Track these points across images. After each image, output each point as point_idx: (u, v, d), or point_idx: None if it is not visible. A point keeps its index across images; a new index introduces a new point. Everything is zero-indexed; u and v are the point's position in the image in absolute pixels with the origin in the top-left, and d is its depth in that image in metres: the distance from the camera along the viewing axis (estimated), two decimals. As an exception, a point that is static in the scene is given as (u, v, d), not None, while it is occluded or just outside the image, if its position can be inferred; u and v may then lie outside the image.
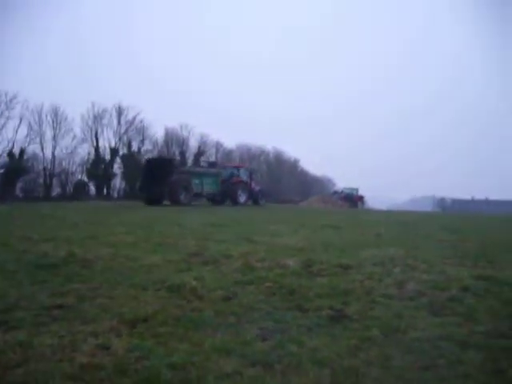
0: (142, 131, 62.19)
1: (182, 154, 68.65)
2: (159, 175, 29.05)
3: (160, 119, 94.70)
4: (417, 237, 12.39)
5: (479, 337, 4.38)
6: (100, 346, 3.92)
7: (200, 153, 70.90)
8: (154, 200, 29.46)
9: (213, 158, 71.74)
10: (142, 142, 62.82)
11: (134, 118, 60.65)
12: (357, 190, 59.69)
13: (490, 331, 4.54)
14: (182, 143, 69.57)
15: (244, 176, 35.58)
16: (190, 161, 68.90)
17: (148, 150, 63.62)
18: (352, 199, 56.50)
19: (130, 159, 58.98)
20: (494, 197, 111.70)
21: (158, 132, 65.83)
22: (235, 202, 33.58)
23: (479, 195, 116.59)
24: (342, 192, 60.36)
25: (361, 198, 59.17)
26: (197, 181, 31.53)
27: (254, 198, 35.77)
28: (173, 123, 69.29)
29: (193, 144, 70.93)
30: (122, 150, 60.26)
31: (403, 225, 18.05)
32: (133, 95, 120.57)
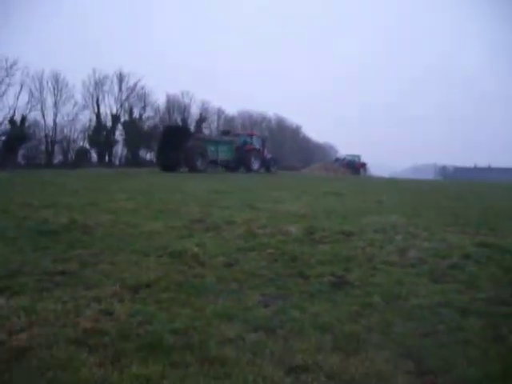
0: (143, 98, 61.57)
1: (184, 120, 68.23)
2: (176, 142, 29.48)
3: (161, 86, 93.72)
4: (418, 204, 12.39)
5: (480, 304, 4.40)
6: (103, 312, 3.94)
7: (202, 119, 70.45)
8: (170, 166, 30.11)
9: (214, 125, 71.51)
10: (144, 108, 62.29)
11: (136, 85, 59.97)
12: (359, 157, 59.49)
13: (491, 298, 4.56)
14: (184, 110, 69.03)
15: (257, 144, 36.05)
16: (191, 127, 68.64)
17: (149, 117, 63.23)
18: (354, 166, 56.31)
19: (131, 126, 58.58)
20: (496, 164, 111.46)
21: (159, 99, 65.23)
22: (249, 169, 34.13)
23: (482, 162, 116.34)
24: (344, 159, 60.12)
25: (363, 165, 59.00)
26: (212, 148, 32.02)
27: (266, 165, 36.37)
28: (174, 90, 68.64)
29: (194, 111, 70.39)
30: (124, 117, 59.77)
31: (405, 192, 18.05)
32: (134, 62, 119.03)
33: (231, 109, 78.54)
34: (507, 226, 8.61)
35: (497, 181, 50.32)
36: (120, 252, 6.01)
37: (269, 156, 37.63)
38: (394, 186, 23.77)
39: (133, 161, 54.41)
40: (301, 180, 28.00)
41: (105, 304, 4.11)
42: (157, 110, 65.74)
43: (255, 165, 34.77)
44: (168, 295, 4.41)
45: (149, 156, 64.86)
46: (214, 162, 32.92)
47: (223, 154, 32.97)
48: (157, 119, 64.12)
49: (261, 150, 36.03)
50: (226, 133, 38.19)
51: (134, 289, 4.57)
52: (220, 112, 75.17)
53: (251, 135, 37.29)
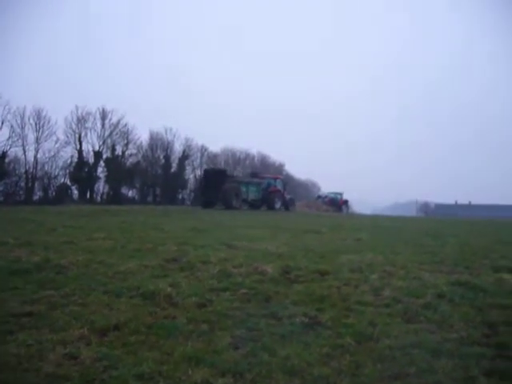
0: (126, 135, 61.70)
1: (167, 158, 68.40)
2: (216, 184, 34.26)
3: (144, 123, 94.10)
4: (397, 242, 12.43)
5: (452, 344, 4.38)
6: (68, 356, 3.85)
7: (185, 157, 70.69)
8: (210, 203, 34.90)
9: (197, 162, 71.82)
10: (126, 145, 62.28)
11: (118, 122, 60.16)
12: (341, 194, 59.79)
13: (462, 338, 4.56)
14: (167, 147, 69.22)
15: (279, 186, 40.40)
16: (174, 165, 68.77)
17: (132, 154, 63.26)
18: (336, 203, 56.55)
19: (113, 163, 58.54)
20: (476, 201, 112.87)
21: (142, 135, 65.40)
22: (272, 208, 37.97)
23: (462, 200, 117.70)
24: (326, 196, 60.38)
25: (345, 202, 59.25)
26: (244, 188, 36.66)
27: (286, 205, 40.16)
28: (157, 126, 68.92)
29: (177, 148, 70.63)
30: (106, 154, 59.73)
31: (385, 230, 18.13)
32: (117, 98, 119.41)
33: (214, 146, 78.79)
34: (482, 263, 8.66)
35: (477, 217, 50.93)
36: (92, 293, 5.91)
37: (288, 197, 41.46)
38: (375, 223, 23.86)
39: (114, 198, 54.15)
40: (282, 217, 28.02)
41: (70, 348, 4.01)
42: (139, 147, 65.86)
43: (277, 204, 38.61)
44: (137, 338, 4.33)
45: (131, 193, 64.70)
46: (245, 201, 36.94)
47: (252, 194, 37.39)
48: (139, 156, 64.18)
49: (282, 192, 40.05)
50: (254, 175, 42.77)
51: (102, 331, 4.48)
52: (203, 149, 75.50)
53: (275, 178, 41.82)
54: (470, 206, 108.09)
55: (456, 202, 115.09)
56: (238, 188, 35.89)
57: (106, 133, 59.53)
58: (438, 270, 7.84)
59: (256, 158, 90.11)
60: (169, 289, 6.05)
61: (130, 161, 62.89)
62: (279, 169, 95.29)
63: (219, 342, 4.30)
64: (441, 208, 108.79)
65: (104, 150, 59.51)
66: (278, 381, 3.53)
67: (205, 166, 71.01)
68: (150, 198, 66.68)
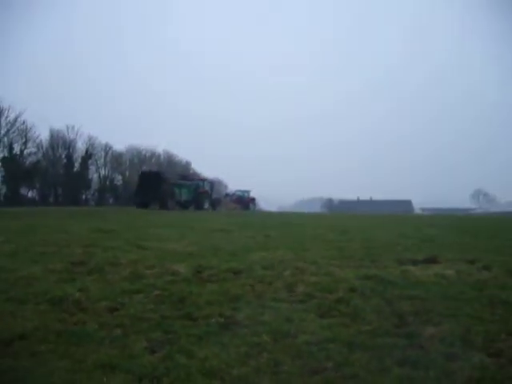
0: (24, 133, 59.00)
1: (69, 156, 66.15)
2: (151, 185, 36.30)
3: (45, 120, 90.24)
4: (305, 238, 12.66)
5: (365, 336, 4.49)
6: (-32, 370, 3.57)
7: (88, 156, 68.68)
8: (145, 204, 36.24)
9: (101, 162, 70.04)
10: (25, 144, 59.64)
11: (16, 119, 57.40)
12: (248, 192, 60.33)
13: (375, 330, 4.68)
14: (69, 146, 66.95)
15: (207, 187, 43.39)
16: (77, 164, 66.68)
17: (31, 153, 60.66)
18: (244, 201, 57.03)
19: (11, 162, 55.78)
20: (377, 197, 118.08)
21: (42, 134, 62.78)
22: (201, 208, 40.00)
23: (364, 196, 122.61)
24: (233, 194, 60.75)
25: (252, 200, 59.86)
26: (177, 190, 39.05)
27: (213, 205, 43.06)
28: (59, 124, 66.39)
29: (80, 147, 68.46)
30: (3, 153, 56.83)
31: (292, 226, 18.43)
32: (13, 95, 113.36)
33: (119, 145, 76.99)
34: (387, 257, 8.97)
35: (377, 212, 53.23)
36: (-8, 301, 5.54)
37: (214, 197, 45.36)
38: (282, 219, 24.24)
39: (13, 199, 51.59)
40: (189, 217, 27.81)
41: (-30, 361, 3.73)
42: (39, 146, 63.29)
43: (206, 204, 41.09)
44: (45, 347, 4.10)
45: (31, 194, 61.97)
46: (178, 202, 38.95)
47: (184, 195, 39.78)
48: (39, 155, 61.69)
49: (209, 192, 43.24)
50: (183, 177, 44.60)
51: (6, 342, 4.20)
52: (107, 148, 73.66)
53: (203, 180, 44.95)
54: (371, 202, 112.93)
55: (358, 198, 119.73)
56: (173, 190, 38.24)
57: (3, 131, 56.56)
58: (347, 265, 8.03)
59: (162, 157, 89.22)
60: (77, 293, 5.81)
61: (30, 160, 60.36)
62: (186, 167, 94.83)
63: (134, 346, 4.17)
64: (344, 204, 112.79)
65: (0, 149, 56.58)
66: (196, 383, 3.46)
67: (109, 165, 69.57)
68: (51, 199, 64.22)
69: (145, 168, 65.03)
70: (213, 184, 46.73)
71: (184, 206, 39.80)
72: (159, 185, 36.94)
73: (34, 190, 62.93)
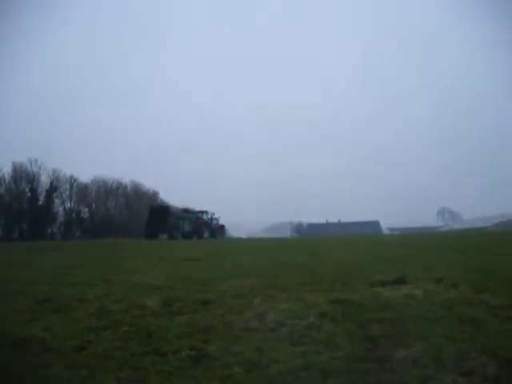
0: (-15, 168, 57.94)
1: (33, 190, 65.11)
2: (160, 218, 40.83)
3: (7, 154, 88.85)
4: (275, 264, 12.61)
5: (339, 362, 4.46)
6: None
7: (53, 189, 67.76)
8: (153, 235, 39.66)
9: (66, 194, 69.28)
10: (-14, 178, 58.55)
11: (-25, 154, 56.38)
12: (217, 219, 60.12)
13: (348, 355, 4.65)
14: (33, 179, 65.97)
15: (206, 218, 46.54)
16: (41, 197, 65.76)
17: (-7, 188, 59.51)
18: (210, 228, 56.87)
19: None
20: (345, 219, 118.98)
21: (4, 168, 61.77)
22: (201, 237, 42.48)
23: (332, 218, 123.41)
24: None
25: (221, 228, 59.62)
26: (181, 222, 43.19)
27: (213, 234, 45.50)
28: (21, 158, 65.49)
29: (44, 180, 67.52)
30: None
31: (262, 253, 18.35)
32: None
33: (84, 176, 76.20)
34: (357, 279, 8.98)
35: (346, 234, 53.62)
36: (-50, 346, 5.32)
37: (216, 226, 47.31)
38: (252, 246, 24.17)
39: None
40: (159, 246, 27.51)
41: None
42: (2, 180, 62.20)
43: (205, 234, 43.92)
44: (7, 393, 3.94)
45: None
46: (182, 232, 43.00)
47: (187, 226, 43.57)
48: (2, 190, 60.54)
49: (209, 223, 46.25)
50: (186, 210, 48.18)
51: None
52: (72, 180, 72.83)
53: (203, 212, 47.27)
54: (339, 224, 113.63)
55: (327, 221, 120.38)
56: (178, 222, 42.78)
57: (-38, 166, 55.52)
58: (317, 290, 8.00)
59: (129, 187, 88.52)
60: (42, 333, 5.62)
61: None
62: (153, 197, 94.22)
63: (102, 386, 4.04)
64: (313, 227, 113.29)
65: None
66: (168, 422, 3.36)
67: (74, 198, 68.93)
68: (15, 234, 62.95)
69: (154, 203, 68.90)
70: (212, 214, 48.32)
71: (186, 236, 42.96)
72: (167, 218, 41.59)
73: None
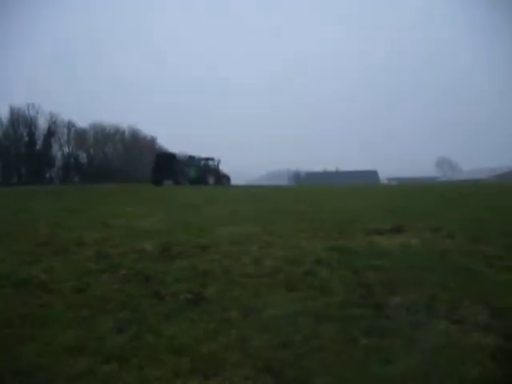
0: (-17, 112, 57.49)
1: (31, 135, 64.80)
2: (166, 165, 41.82)
3: (4, 98, 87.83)
4: (273, 212, 12.65)
5: (333, 308, 4.54)
6: None
7: (50, 133, 67.42)
8: (159, 182, 40.24)
9: (64, 139, 69.04)
10: (-15, 123, 58.17)
11: (-26, 97, 55.80)
12: (214, 160, 60.09)
13: (343, 302, 4.74)
14: (30, 124, 65.53)
15: (212, 165, 46.59)
16: (39, 142, 65.57)
17: (-9, 131, 59.20)
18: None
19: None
20: (343, 168, 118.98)
21: (2, 112, 61.28)
22: (206, 184, 42.52)
23: (330, 167, 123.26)
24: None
25: (226, 175, 59.67)
26: (187, 169, 43.85)
27: (219, 181, 45.46)
28: (19, 102, 64.81)
29: (42, 124, 67.08)
30: (-40, 132, 55.36)
31: (260, 200, 18.40)
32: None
33: (82, 121, 75.61)
34: (354, 227, 9.03)
35: (343, 183, 53.71)
36: (-48, 285, 5.40)
37: (222, 173, 47.23)
38: (249, 193, 24.23)
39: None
40: (158, 192, 27.57)
41: None
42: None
43: (211, 181, 44.39)
44: (10, 331, 4.04)
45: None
46: (188, 179, 43.48)
47: (193, 173, 44.34)
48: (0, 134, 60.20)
49: (215, 169, 46.20)
50: (192, 158, 47.85)
51: (-32, 328, 4.11)
52: (70, 125, 72.35)
53: (208, 159, 47.09)
54: (337, 173, 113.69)
55: (325, 170, 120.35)
56: (184, 169, 43.49)
57: (-39, 110, 55.00)
58: (314, 237, 8.05)
59: (127, 133, 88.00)
60: (42, 275, 5.72)
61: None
62: (151, 143, 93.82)
63: (101, 327, 4.13)
64: (311, 176, 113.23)
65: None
66: (165, 362, 3.46)
67: (72, 143, 68.75)
68: (14, 179, 63.01)
69: (160, 151, 68.51)
70: (218, 162, 48.47)
71: (192, 182, 43.87)
72: (173, 165, 42.68)
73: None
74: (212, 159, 47.72)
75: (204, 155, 47.74)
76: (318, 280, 5.49)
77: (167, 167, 42.63)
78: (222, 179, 46.71)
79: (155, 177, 43.23)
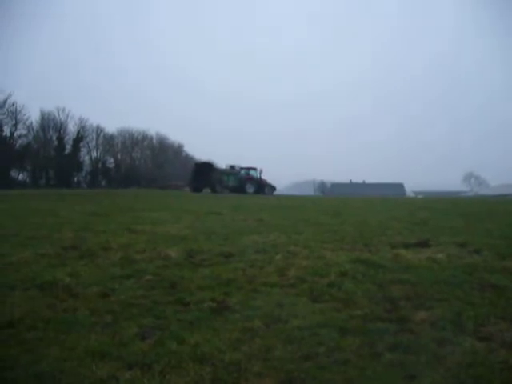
0: (14, 115, 58.47)
1: (60, 139, 65.82)
2: (203, 174, 45.06)
3: (35, 102, 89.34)
4: (298, 222, 12.64)
5: (357, 321, 4.49)
6: (-44, 359, 3.52)
7: (79, 138, 68.42)
8: (198, 189, 44.56)
9: (93, 144, 70.03)
10: (15, 126, 59.16)
11: (5, 101, 56.83)
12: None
13: (367, 315, 4.68)
14: (60, 128, 66.60)
15: (253, 174, 48.88)
16: (68, 146, 66.53)
17: (22, 135, 60.26)
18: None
19: (1, 145, 55.31)
20: (369, 180, 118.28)
21: (32, 115, 62.32)
22: (245, 192, 45.54)
23: (356, 179, 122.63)
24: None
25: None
26: (225, 178, 46.81)
27: (261, 190, 47.66)
28: (49, 106, 65.92)
29: (71, 129, 68.14)
30: (-7, 135, 56.38)
31: (285, 209, 18.40)
32: (2, 76, 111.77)
33: (111, 127, 76.64)
34: (380, 240, 8.97)
35: (370, 195, 53.41)
36: (-20, 287, 5.47)
37: (264, 182, 48.94)
38: (274, 203, 24.21)
39: (2, 181, 51.27)
40: (185, 199, 27.74)
41: (-42, 350, 3.68)
42: (30, 128, 62.91)
43: (250, 189, 46.85)
44: (34, 334, 4.06)
45: (21, 176, 61.65)
46: (226, 187, 46.47)
47: (232, 181, 47.25)
48: (30, 137, 61.33)
49: (256, 179, 48.43)
50: (232, 167, 50.17)
51: (-7, 329, 4.16)
52: (99, 130, 73.39)
53: (249, 168, 49.61)
54: (363, 185, 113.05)
55: (351, 181, 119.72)
56: (221, 177, 46.34)
57: (-8, 112, 56.11)
58: (339, 249, 8.03)
59: (154, 139, 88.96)
60: (68, 279, 5.76)
61: (20, 142, 59.97)
62: (178, 150, 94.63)
63: (125, 333, 4.13)
64: (336, 187, 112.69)
65: (-10, 132, 56.18)
66: (188, 370, 3.44)
67: (100, 148, 69.74)
68: (43, 182, 63.96)
69: (198, 160, 72.23)
70: (261, 171, 50.01)
71: (232, 190, 46.63)
72: (210, 173, 45.55)
73: (25, 173, 62.61)
74: (254, 169, 49.65)
75: (247, 165, 50.25)
76: (343, 292, 5.44)
77: (205, 175, 45.19)
78: (264, 188, 48.32)
79: (194, 184, 46.74)
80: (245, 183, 47.82)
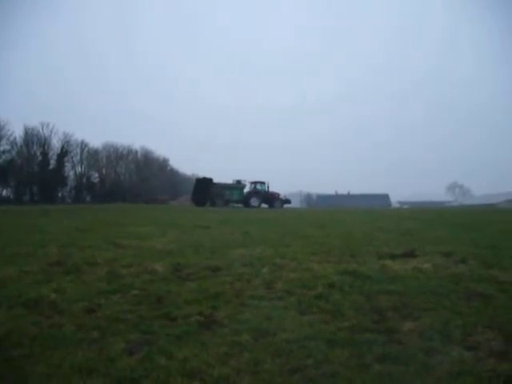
0: (-3, 131, 58.07)
1: (44, 154, 65.42)
2: (203, 189, 47.47)
3: (19, 118, 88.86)
4: (285, 234, 12.65)
5: (345, 333, 4.48)
6: None
7: (63, 153, 68.06)
8: (200, 203, 46.07)
9: (77, 158, 69.73)
10: (-2, 141, 58.73)
11: (-12, 117, 56.46)
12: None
13: (354, 326, 4.68)
14: (44, 143, 66.23)
15: (260, 188, 50.49)
16: (52, 161, 66.17)
17: (5, 151, 59.80)
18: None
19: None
20: (354, 191, 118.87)
21: (16, 131, 61.95)
22: (248, 206, 47.79)
23: (341, 190, 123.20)
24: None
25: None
26: (228, 192, 48.96)
27: (270, 203, 49.47)
28: (33, 122, 65.61)
29: (55, 144, 67.80)
30: (-26, 151, 55.94)
31: (271, 222, 18.41)
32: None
33: (95, 141, 76.44)
34: (366, 251, 9.01)
35: (355, 206, 53.73)
36: (-36, 304, 5.40)
37: (273, 196, 50.07)
38: (261, 215, 24.24)
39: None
40: (171, 213, 27.66)
41: None
42: (13, 143, 62.50)
43: (255, 203, 48.46)
44: (20, 351, 4.00)
45: (5, 192, 61.11)
46: (230, 201, 48.93)
47: (235, 196, 49.36)
48: (14, 153, 60.88)
49: (262, 193, 49.87)
50: (238, 181, 51.74)
51: (-22, 347, 4.10)
52: (83, 145, 73.13)
53: (256, 182, 51.13)
54: (349, 196, 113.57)
55: (336, 193, 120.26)
56: (222, 192, 48.44)
57: (-25, 129, 55.72)
58: (326, 261, 8.05)
59: (139, 153, 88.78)
60: (53, 295, 5.69)
61: (4, 158, 59.55)
62: (163, 164, 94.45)
63: (112, 348, 4.09)
64: (322, 199, 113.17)
65: (-28, 148, 55.76)
66: (176, 385, 3.41)
67: (85, 162, 69.54)
68: (26, 197, 63.45)
69: (199, 176, 73.41)
70: (267, 185, 51.36)
71: (236, 203, 49.23)
72: (209, 188, 47.71)
73: (9, 189, 62.10)
74: (262, 183, 51.19)
75: (255, 179, 51.83)
76: (330, 304, 5.44)
77: (205, 190, 47.43)
78: (273, 202, 49.62)
79: (195, 199, 49.03)
80: (250, 197, 49.42)
